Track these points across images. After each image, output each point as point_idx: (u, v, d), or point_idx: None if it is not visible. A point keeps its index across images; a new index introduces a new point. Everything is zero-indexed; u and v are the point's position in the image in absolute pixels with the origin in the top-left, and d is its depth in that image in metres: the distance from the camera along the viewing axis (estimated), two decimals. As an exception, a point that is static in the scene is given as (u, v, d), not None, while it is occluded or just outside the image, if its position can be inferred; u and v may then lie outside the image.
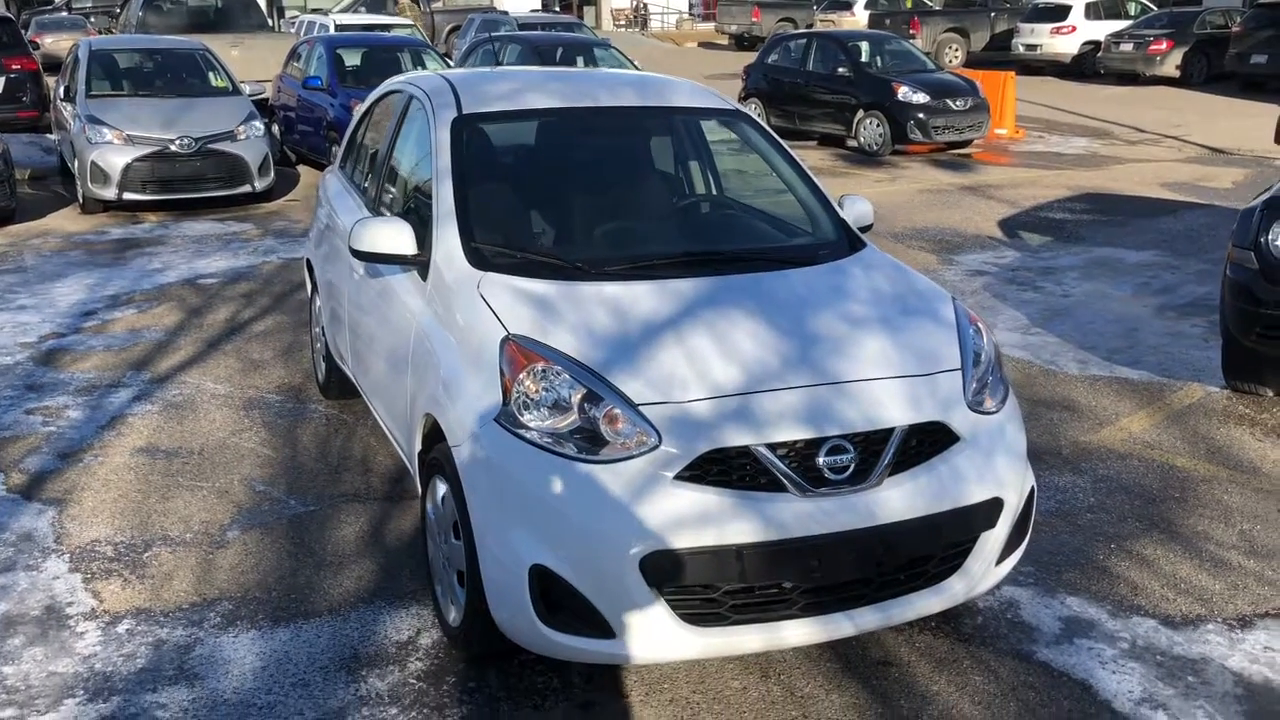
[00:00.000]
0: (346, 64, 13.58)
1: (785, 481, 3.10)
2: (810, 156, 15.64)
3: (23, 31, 17.05)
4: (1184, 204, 11.72)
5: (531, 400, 3.18)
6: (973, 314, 3.81)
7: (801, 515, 3.08)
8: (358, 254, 3.96)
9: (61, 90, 12.44)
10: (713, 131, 4.89)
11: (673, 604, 3.08)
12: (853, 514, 3.13)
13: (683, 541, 3.01)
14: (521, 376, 3.20)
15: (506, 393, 3.21)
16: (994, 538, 3.43)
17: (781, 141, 4.62)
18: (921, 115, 15.15)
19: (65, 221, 10.97)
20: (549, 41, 16.55)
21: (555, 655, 3.21)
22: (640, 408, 3.12)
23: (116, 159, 10.83)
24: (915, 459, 3.28)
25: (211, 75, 12.67)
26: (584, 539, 3.03)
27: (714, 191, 4.68)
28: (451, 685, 3.46)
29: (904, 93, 15.32)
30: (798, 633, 3.20)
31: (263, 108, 13.58)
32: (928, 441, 3.33)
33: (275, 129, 14.28)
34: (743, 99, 18.08)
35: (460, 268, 3.72)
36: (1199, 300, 7.99)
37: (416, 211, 4.21)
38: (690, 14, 44.24)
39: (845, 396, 3.26)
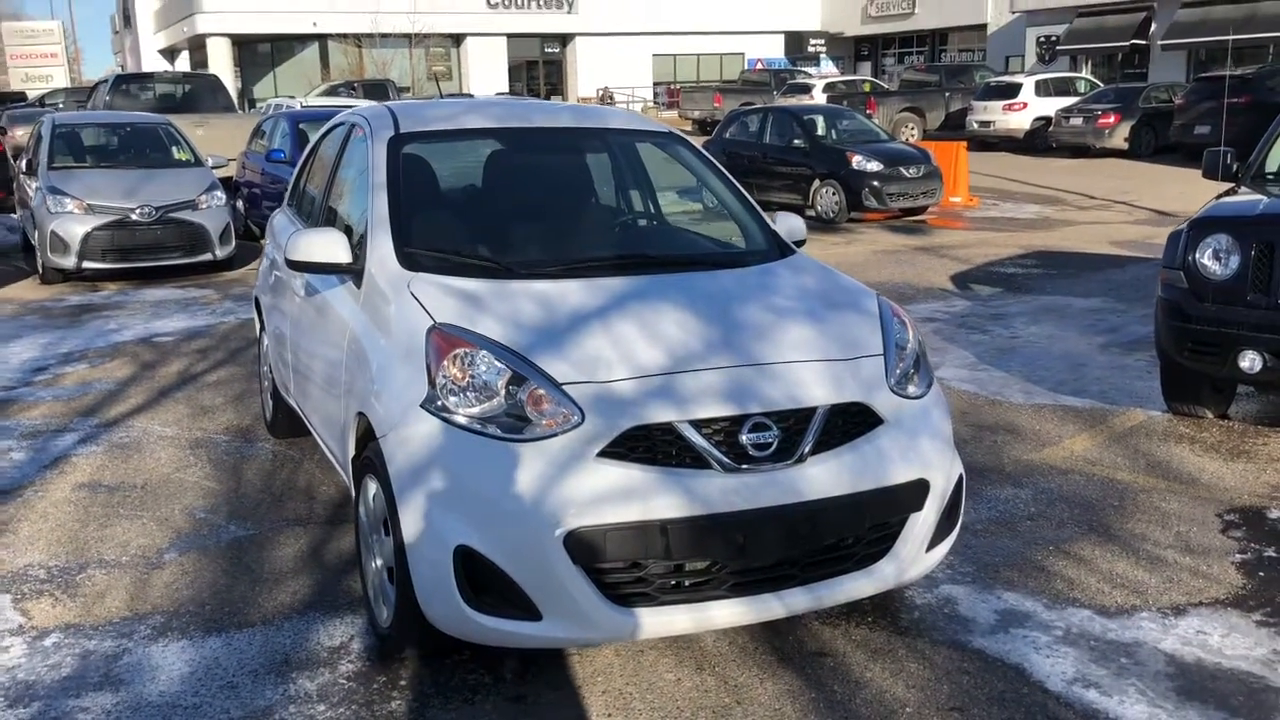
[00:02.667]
0: (310, 138, 13.74)
1: (709, 458, 3.13)
2: (769, 225, 15.89)
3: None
4: (1131, 258, 11.97)
5: (457, 386, 3.21)
6: (896, 308, 3.88)
7: (726, 491, 3.11)
8: (293, 264, 4.01)
9: (24, 164, 12.53)
10: (652, 156, 5.01)
11: (600, 584, 3.08)
12: (777, 490, 3.16)
13: (606, 517, 3.02)
14: (445, 362, 3.24)
15: (432, 379, 3.25)
16: (922, 521, 3.45)
17: (714, 160, 4.74)
18: (876, 183, 15.46)
19: (24, 291, 10.98)
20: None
21: (484, 641, 3.19)
22: (564, 386, 3.16)
23: (77, 228, 10.89)
24: (840, 439, 3.32)
25: (174, 149, 12.80)
26: (507, 517, 3.04)
27: (648, 207, 4.78)
28: (382, 684, 3.42)
29: (858, 161, 15.64)
30: (727, 613, 3.20)
31: (227, 185, 13.71)
32: (852, 423, 3.37)
33: (240, 204, 14.40)
34: (703, 173, 18.40)
35: (392, 269, 3.77)
36: (1143, 339, 8.12)
37: (354, 227, 4.27)
38: (655, 102, 45.16)
39: (768, 377, 3.31)
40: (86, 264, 10.96)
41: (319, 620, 3.84)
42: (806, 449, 3.24)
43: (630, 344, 3.32)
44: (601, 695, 3.35)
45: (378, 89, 28.20)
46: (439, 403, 3.20)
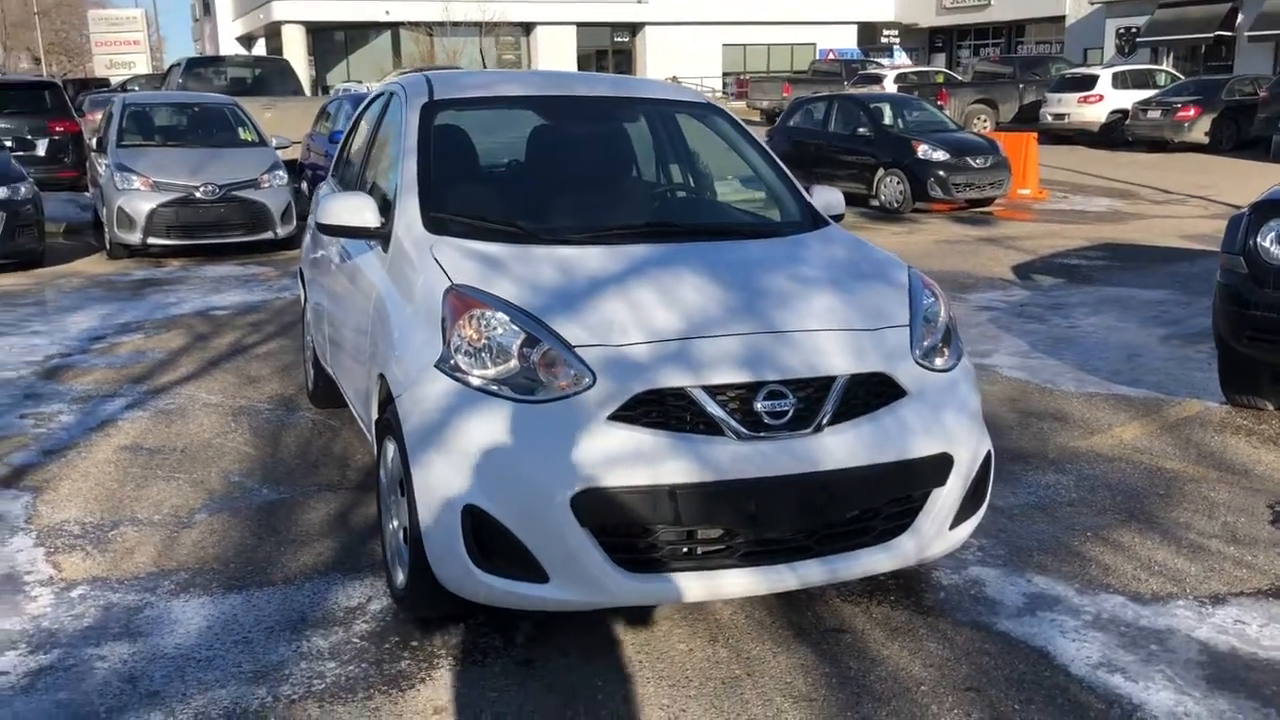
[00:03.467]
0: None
1: (722, 425, 3.07)
2: (831, 214, 15.72)
3: (70, 101, 17.58)
4: (1202, 252, 11.61)
5: (472, 346, 3.19)
6: (928, 279, 3.79)
7: (738, 457, 3.05)
8: (323, 228, 4.02)
9: (94, 143, 12.81)
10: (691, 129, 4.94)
11: (609, 548, 3.04)
12: (791, 458, 3.09)
13: (615, 480, 2.98)
14: (460, 323, 3.22)
15: (447, 339, 3.23)
16: (945, 496, 3.36)
17: (752, 133, 4.66)
18: (942, 173, 15.20)
19: (91, 266, 11.23)
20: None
21: (491, 602, 3.17)
22: (576, 349, 3.12)
23: (142, 204, 11.10)
24: (860, 410, 3.25)
25: (240, 129, 13.00)
26: (515, 478, 3.01)
27: (683, 177, 4.71)
28: (394, 644, 3.42)
29: (924, 150, 15.39)
30: (739, 582, 3.15)
31: (293, 168, 13.90)
32: (874, 394, 3.29)
33: (304, 185, 14.59)
34: (767, 162, 18.28)
35: (417, 233, 3.77)
36: (1208, 331, 7.82)
37: (386, 192, 4.27)
38: (724, 92, 44.97)
39: (787, 344, 3.24)
40: (151, 240, 11.18)
41: (339, 581, 3.85)
42: (824, 419, 3.17)
43: (647, 309, 3.28)
44: (611, 662, 3.32)
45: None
46: (452, 362, 3.18)
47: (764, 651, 3.38)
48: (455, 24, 38.46)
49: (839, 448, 3.15)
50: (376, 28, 42.37)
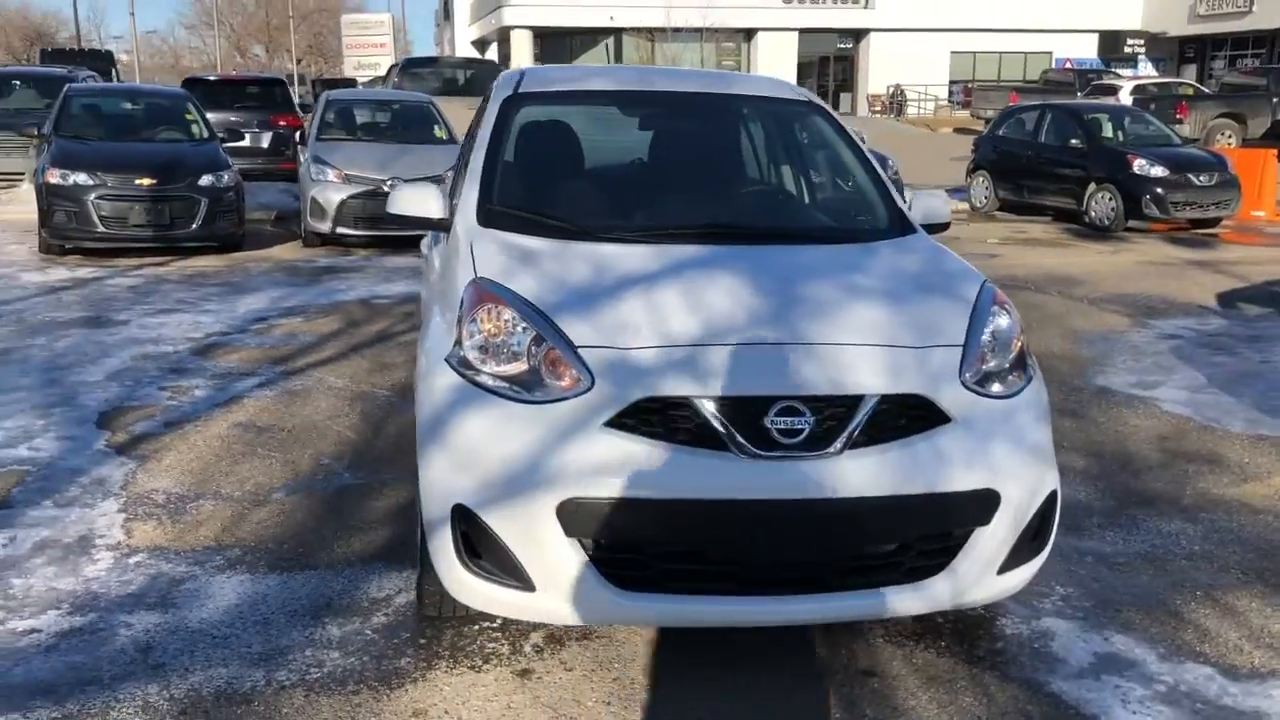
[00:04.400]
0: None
1: (726, 440, 2.86)
2: (1033, 229, 14.92)
3: (294, 98, 18.71)
4: None
5: (483, 340, 3.09)
6: (1002, 296, 3.43)
7: (740, 476, 2.83)
8: (391, 217, 4.03)
9: (298, 135, 13.53)
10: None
11: (598, 561, 2.88)
12: (802, 481, 2.84)
13: (603, 490, 2.82)
14: (473, 315, 3.14)
15: (460, 331, 3.15)
16: (989, 537, 3.03)
17: (852, 135, 4.38)
18: (1159, 190, 14.13)
19: (285, 252, 11.84)
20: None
21: (480, 607, 3.06)
22: (579, 349, 2.98)
23: (334, 195, 11.63)
24: (892, 435, 2.96)
25: (435, 127, 13.44)
26: (503, 479, 2.89)
27: (768, 176, 4.47)
28: (403, 640, 3.37)
29: (1140, 165, 14.36)
30: (739, 611, 2.93)
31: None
32: (911, 418, 2.99)
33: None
34: (970, 172, 17.52)
35: (469, 224, 3.72)
36: None
37: (460, 182, 4.25)
38: (950, 100, 43.53)
39: (812, 357, 2.99)
40: (340, 229, 11.69)
41: (378, 572, 3.84)
42: (846, 441, 2.90)
43: (669, 312, 3.09)
44: (611, 682, 3.15)
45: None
46: (461, 356, 3.10)
47: (778, 688, 3.14)
48: (676, 30, 38.75)
49: (859, 474, 2.87)
50: (601, 33, 43.24)
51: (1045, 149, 16.14)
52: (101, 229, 10.61)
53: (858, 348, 3.04)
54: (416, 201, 3.93)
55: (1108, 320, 8.73)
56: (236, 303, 8.83)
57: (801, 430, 2.88)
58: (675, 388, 2.89)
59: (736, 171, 4.39)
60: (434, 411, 3.09)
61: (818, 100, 4.52)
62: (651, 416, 2.89)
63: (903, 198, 4.13)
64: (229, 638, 3.37)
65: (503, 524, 2.89)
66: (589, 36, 43.85)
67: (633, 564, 2.89)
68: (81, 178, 10.56)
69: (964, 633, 3.48)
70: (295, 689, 3.09)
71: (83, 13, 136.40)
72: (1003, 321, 3.31)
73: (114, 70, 30.59)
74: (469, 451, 2.96)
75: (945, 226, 4.18)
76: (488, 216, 3.73)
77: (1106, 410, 6.11)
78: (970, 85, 42.31)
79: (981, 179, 17.24)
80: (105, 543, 4.04)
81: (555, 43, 44.02)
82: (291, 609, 3.56)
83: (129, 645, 3.30)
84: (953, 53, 45.30)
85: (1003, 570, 3.11)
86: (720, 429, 2.86)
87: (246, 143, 16.94)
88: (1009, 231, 14.90)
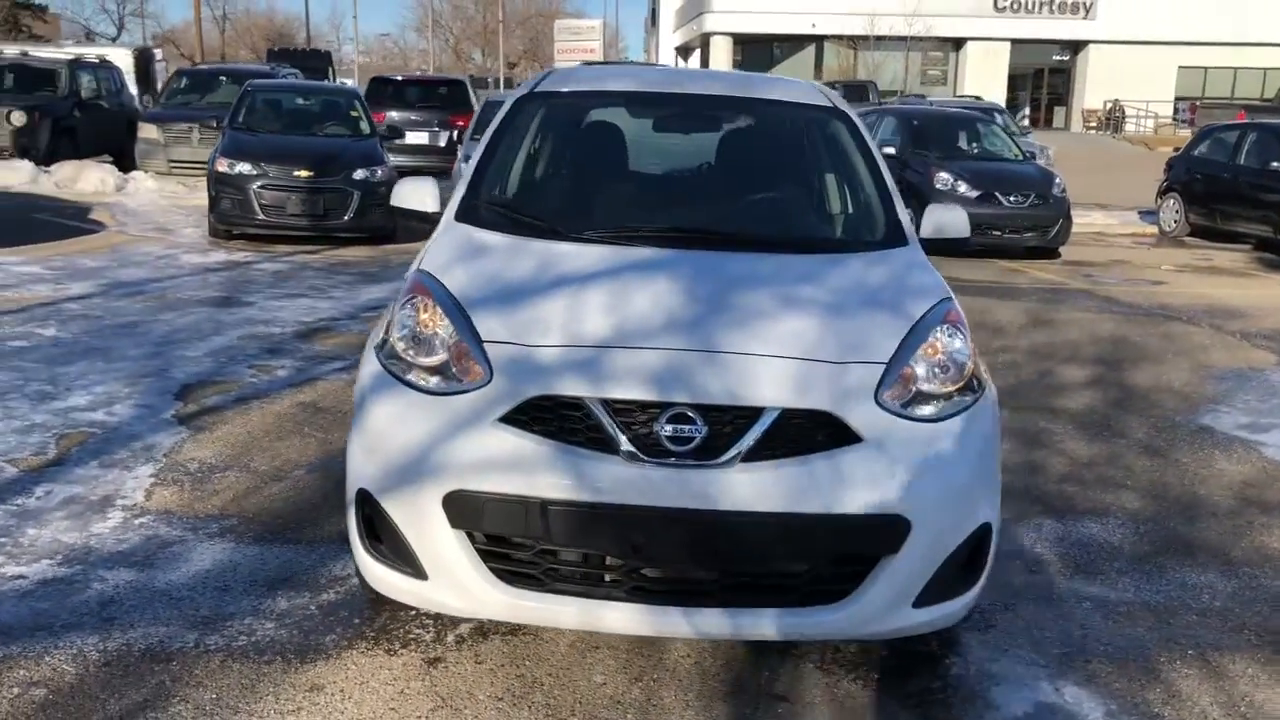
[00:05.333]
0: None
1: (615, 443, 2.82)
2: (1220, 257, 13.96)
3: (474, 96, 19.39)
4: None
5: (415, 332, 3.15)
6: (956, 317, 3.24)
7: (623, 481, 2.79)
8: (394, 209, 4.16)
9: (455, 134, 14.05)
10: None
11: (485, 555, 2.90)
12: (685, 491, 2.78)
13: (486, 485, 2.84)
14: (403, 305, 3.21)
15: (389, 321, 3.24)
16: (899, 567, 2.88)
17: (872, 145, 4.22)
18: (1369, 220, 12.96)
19: (433, 245, 12.28)
20: (930, 116, 16.08)
21: (383, 592, 3.13)
22: (485, 344, 3.00)
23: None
24: (792, 450, 2.85)
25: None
26: (399, 467, 2.95)
27: (771, 184, 4.34)
28: (339, 618, 3.48)
29: (1344, 192, 13.20)
30: (622, 618, 2.89)
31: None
32: (820, 435, 2.88)
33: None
34: (1161, 193, 16.51)
35: (447, 218, 3.81)
36: None
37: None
38: (1175, 119, 41.05)
39: (716, 367, 2.92)
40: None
41: (349, 553, 3.96)
42: (739, 453, 2.81)
43: (588, 313, 3.08)
44: (514, 679, 3.16)
45: (857, 90, 28.25)
46: (389, 344, 3.17)
47: (681, 704, 3.08)
48: (879, 38, 38.08)
49: (748, 488, 2.79)
50: (802, 40, 42.91)
51: (1244, 171, 15.05)
52: (261, 216, 11.31)
53: (769, 360, 2.94)
54: (413, 195, 4.05)
55: (1252, 357, 8.09)
56: (361, 291, 9.24)
57: (692, 439, 2.82)
58: (569, 388, 2.88)
59: (734, 176, 4.29)
60: (359, 396, 3.19)
61: (842, 106, 4.37)
62: (545, 415, 2.88)
63: (910, 209, 3.96)
64: (183, 600, 3.55)
65: (398, 511, 2.95)
66: (790, 44, 43.61)
67: (518, 560, 2.90)
68: (246, 167, 11.29)
69: (905, 668, 3.32)
70: (216, 654, 3.23)
71: (324, 15, 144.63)
72: (950, 342, 3.14)
73: (330, 69, 32.46)
74: (376, 436, 3.03)
75: (962, 241, 4.00)
76: (466, 211, 3.80)
77: (1195, 451, 5.67)
78: (1197, 103, 39.81)
79: (1172, 201, 16.24)
80: (123, 504, 4.33)
81: (756, 49, 43.99)
82: (253, 579, 3.72)
83: (93, 599, 3.53)
84: (1181, 67, 42.74)
85: (921, 604, 2.95)
86: (610, 432, 2.83)
87: (425, 140, 17.72)
88: (1191, 258, 13.98)
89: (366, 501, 3.01)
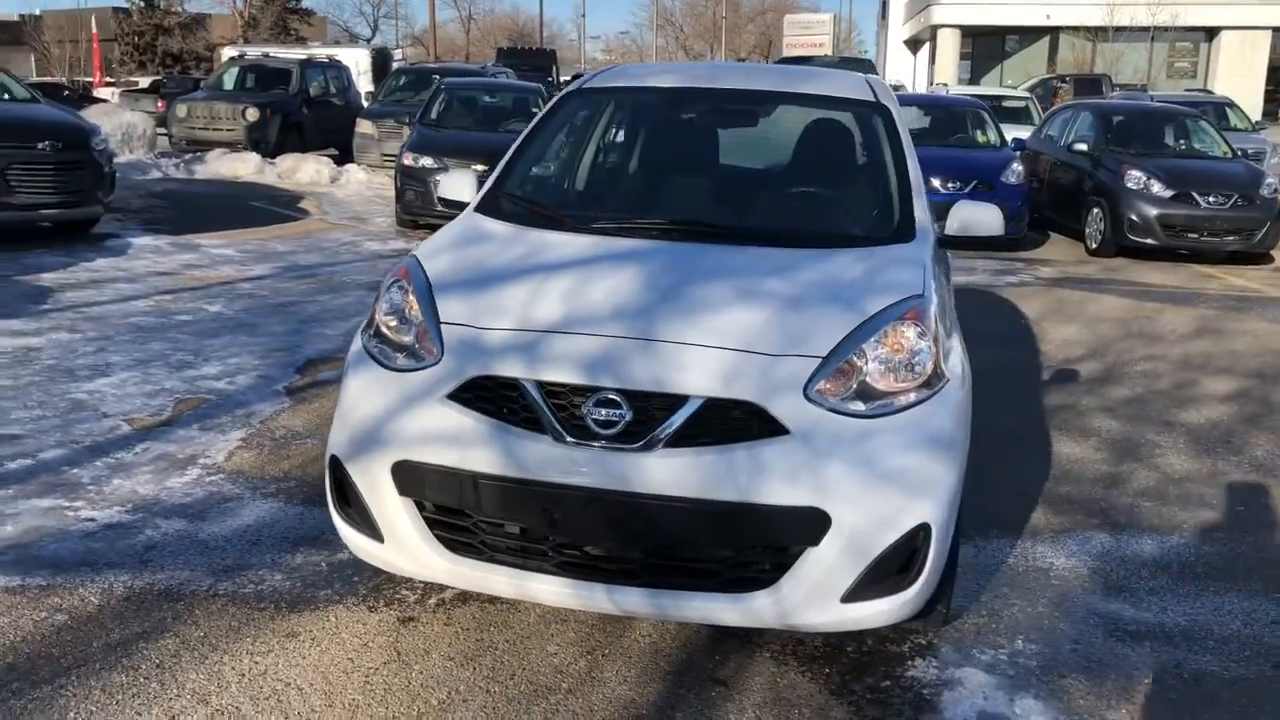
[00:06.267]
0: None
1: (545, 423, 2.96)
2: None
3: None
4: None
5: (385, 310, 3.38)
6: (917, 313, 3.17)
7: (546, 460, 2.92)
8: (439, 200, 4.41)
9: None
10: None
11: (432, 523, 3.10)
12: (602, 472, 2.89)
13: (426, 456, 3.03)
14: (388, 285, 3.44)
15: (377, 303, 3.48)
16: (820, 560, 2.88)
17: (905, 140, 4.15)
18: None
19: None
20: (1132, 110, 15.11)
21: (352, 550, 3.36)
22: (442, 325, 3.19)
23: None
24: (716, 439, 2.90)
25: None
26: (361, 436, 3.17)
27: (796, 179, 4.29)
28: (342, 576, 3.75)
29: None
30: (549, 590, 3.02)
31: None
32: (748, 425, 2.92)
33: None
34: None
35: (469, 208, 4.01)
36: None
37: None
38: None
39: (649, 354, 3.00)
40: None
41: (383, 517, 4.25)
42: (662, 438, 2.89)
43: (546, 299, 3.22)
44: (473, 643, 3.34)
45: (1090, 84, 26.91)
46: (375, 322, 3.41)
47: (620, 679, 3.18)
48: (1119, 28, 35.96)
49: (664, 473, 2.86)
50: (1036, 32, 41.06)
51: None
52: (440, 208, 11.87)
53: (703, 349, 3.00)
54: (453, 185, 4.28)
55: None
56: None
57: (616, 423, 2.92)
58: (507, 369, 3.03)
59: (751, 170, 4.29)
60: (344, 370, 3.44)
61: (884, 101, 4.30)
62: (486, 394, 3.05)
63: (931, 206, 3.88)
64: (216, 550, 3.92)
65: (360, 478, 3.18)
66: (1023, 36, 41.82)
67: (461, 529, 3.08)
68: (428, 161, 11.95)
69: (863, 666, 3.29)
70: (221, 598, 3.57)
71: (566, 14, 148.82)
72: (902, 339, 3.09)
73: (554, 67, 33.51)
74: (348, 409, 3.28)
75: (992, 239, 3.90)
76: (486, 201, 4.01)
77: (1312, 472, 5.23)
78: None
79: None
80: (203, 463, 4.78)
81: (986, 42, 42.44)
82: (284, 536, 4.06)
83: (140, 543, 3.95)
84: None
85: (850, 600, 2.94)
86: (541, 413, 2.97)
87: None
88: None
89: (338, 468, 3.26)
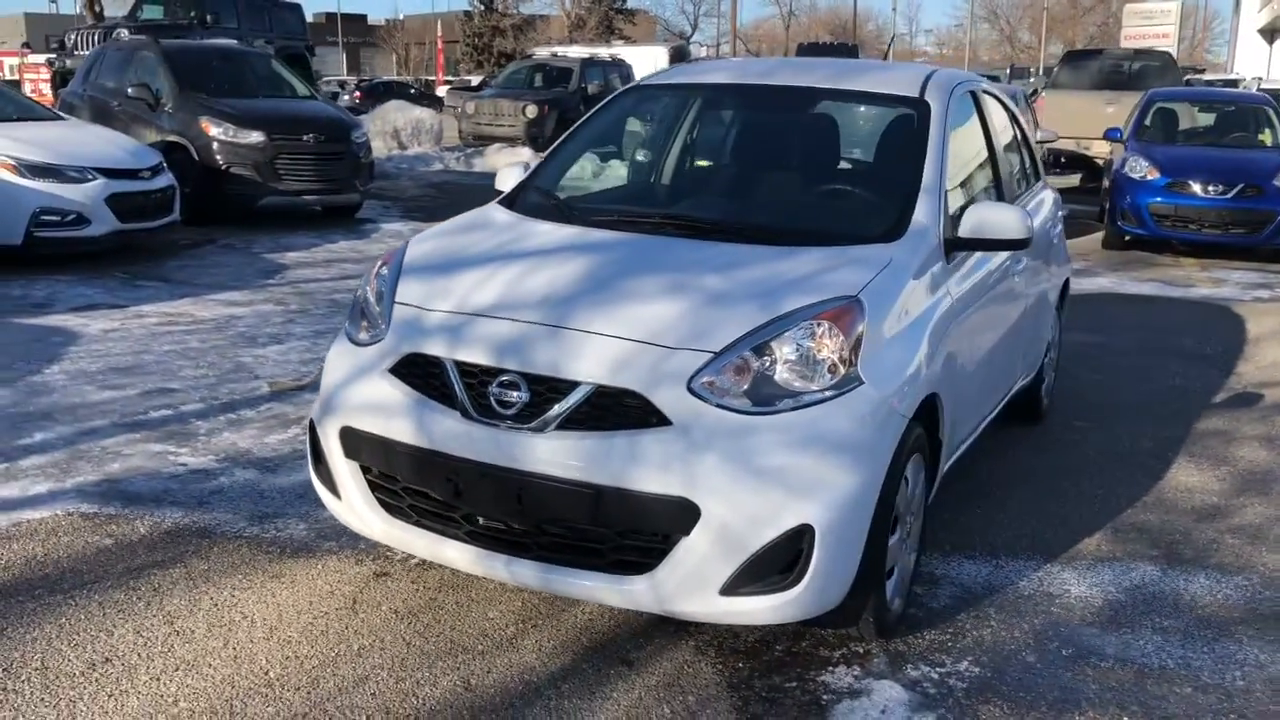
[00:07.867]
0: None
1: (458, 400, 3.16)
2: None
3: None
4: None
5: (364, 291, 3.68)
6: (834, 314, 3.09)
7: (449, 433, 3.13)
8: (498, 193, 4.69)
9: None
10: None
11: (373, 485, 3.38)
12: (493, 448, 3.06)
13: (361, 423, 3.32)
14: (376, 267, 3.75)
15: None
16: (692, 550, 2.91)
17: (935, 138, 3.97)
18: None
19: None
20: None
21: (327, 506, 3.67)
22: (395, 305, 3.45)
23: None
24: (603, 425, 3.00)
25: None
26: (325, 404, 3.50)
27: (815, 175, 4.15)
28: (339, 530, 4.07)
29: None
30: (457, 555, 3.22)
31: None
32: (636, 414, 2.99)
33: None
34: None
35: (496, 199, 4.26)
36: None
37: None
38: None
39: (555, 341, 3.12)
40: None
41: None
42: (548, 421, 3.03)
43: (494, 286, 3.40)
44: (423, 600, 3.59)
45: None
46: (362, 298, 3.72)
47: (534, 647, 3.33)
48: None
49: (548, 453, 2.99)
50: None
51: None
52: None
53: (603, 339, 3.09)
54: (502, 177, 4.52)
55: None
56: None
57: (515, 404, 3.08)
58: (433, 348, 3.26)
59: (766, 168, 4.20)
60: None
61: (928, 97, 4.13)
62: (417, 370, 3.29)
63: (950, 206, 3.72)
64: (267, 499, 4.39)
65: (324, 440, 3.51)
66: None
67: (394, 493, 3.34)
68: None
69: (780, 664, 3.27)
70: (241, 540, 4.02)
71: (885, 8, 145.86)
72: (809, 339, 3.04)
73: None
74: (324, 378, 3.62)
75: (1010, 243, 3.72)
76: (514, 193, 4.24)
77: None
78: None
79: None
80: (301, 424, 5.31)
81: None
82: (302, 496, 4.45)
83: (209, 488, 4.49)
84: None
85: (728, 593, 2.95)
86: (456, 390, 3.18)
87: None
88: None
89: (313, 430, 3.60)
